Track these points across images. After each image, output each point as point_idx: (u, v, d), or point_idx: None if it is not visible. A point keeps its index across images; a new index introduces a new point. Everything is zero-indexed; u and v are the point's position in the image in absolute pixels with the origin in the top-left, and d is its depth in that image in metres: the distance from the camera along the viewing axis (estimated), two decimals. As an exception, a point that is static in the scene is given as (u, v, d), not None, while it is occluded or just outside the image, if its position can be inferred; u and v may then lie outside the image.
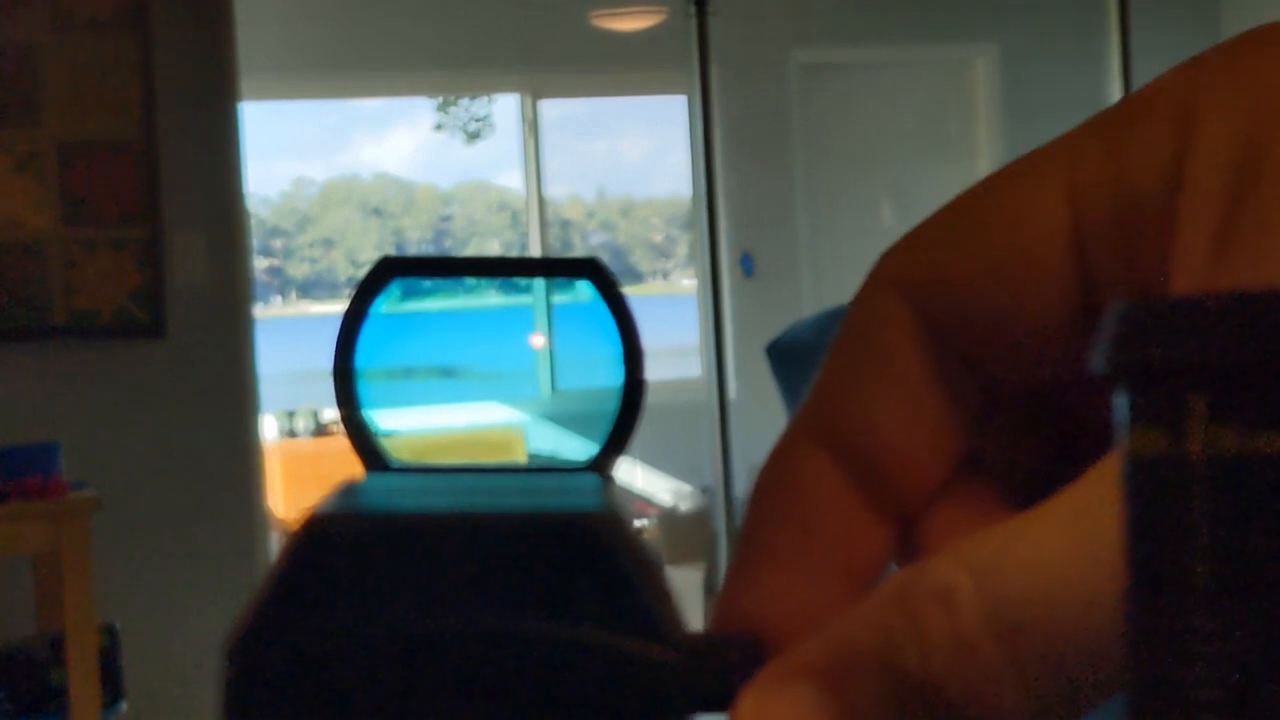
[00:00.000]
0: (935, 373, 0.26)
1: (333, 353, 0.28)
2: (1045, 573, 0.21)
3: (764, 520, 0.27)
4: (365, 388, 0.29)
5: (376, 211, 8.57)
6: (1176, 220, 0.23)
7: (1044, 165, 0.25)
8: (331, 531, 0.24)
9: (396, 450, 0.29)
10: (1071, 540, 0.21)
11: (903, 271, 0.27)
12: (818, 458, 0.27)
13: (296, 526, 0.24)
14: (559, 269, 0.30)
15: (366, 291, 0.28)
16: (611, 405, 0.28)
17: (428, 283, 0.30)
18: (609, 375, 0.28)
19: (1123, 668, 0.21)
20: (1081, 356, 0.25)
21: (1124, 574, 0.20)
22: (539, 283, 0.30)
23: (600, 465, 0.28)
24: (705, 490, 6.81)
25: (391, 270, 0.29)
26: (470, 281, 0.30)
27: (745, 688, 0.24)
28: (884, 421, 0.26)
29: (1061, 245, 0.25)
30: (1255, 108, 0.22)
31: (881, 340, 0.27)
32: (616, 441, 0.29)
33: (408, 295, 0.30)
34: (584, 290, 0.28)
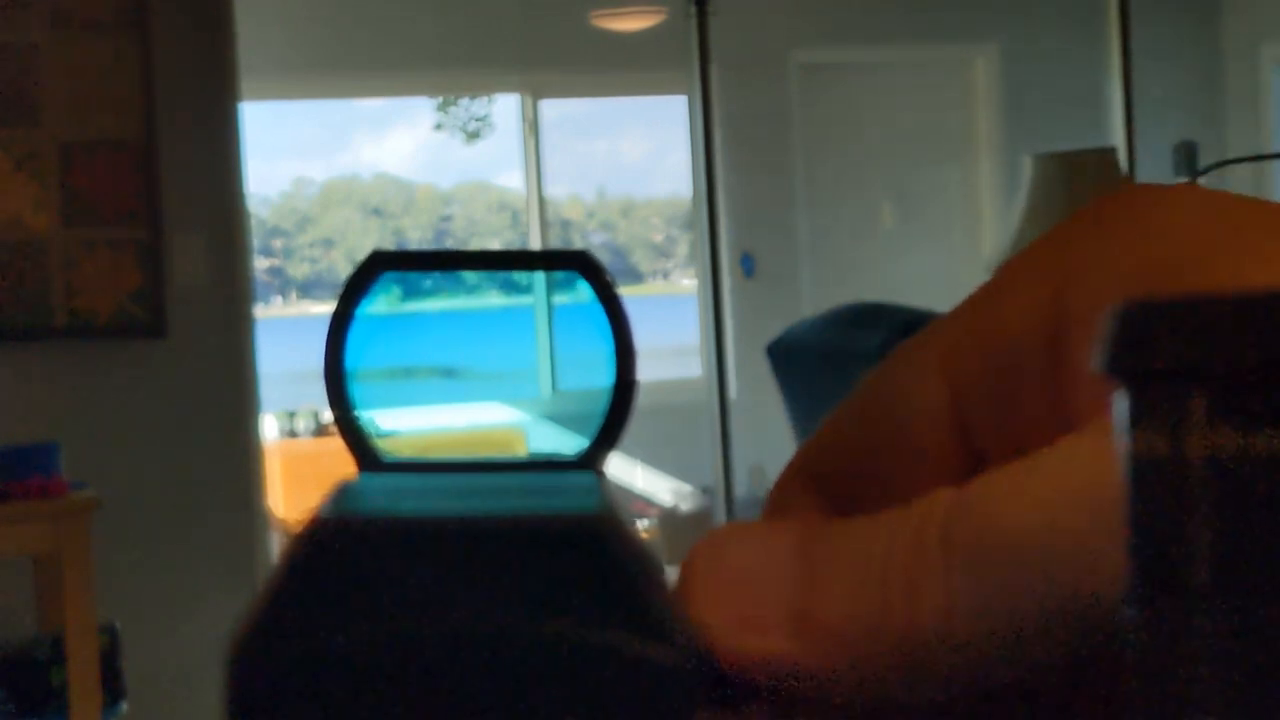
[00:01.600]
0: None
1: (323, 348, 0.28)
2: (1004, 517, 0.23)
3: None
4: (360, 386, 0.29)
5: (376, 211, 8.57)
6: (1063, 364, 0.25)
7: (928, 340, 0.28)
8: (334, 534, 0.24)
9: (397, 451, 0.29)
10: (1050, 497, 0.23)
11: (807, 464, 0.29)
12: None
13: (298, 529, 0.24)
14: (548, 262, 0.30)
15: (356, 287, 0.28)
16: (605, 398, 0.28)
17: (428, 283, 0.30)
18: (607, 373, 0.28)
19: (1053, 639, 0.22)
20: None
21: (1075, 553, 0.22)
22: (539, 283, 0.30)
23: (592, 460, 0.28)
24: (705, 490, 6.81)
25: (381, 265, 0.29)
26: (470, 281, 0.30)
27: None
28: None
29: (940, 403, 0.27)
30: (1120, 259, 0.25)
31: (792, 514, 0.29)
32: (609, 435, 0.29)
33: (409, 295, 0.30)
34: (582, 289, 0.28)
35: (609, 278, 0.28)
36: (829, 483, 0.28)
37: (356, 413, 0.29)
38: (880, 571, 0.24)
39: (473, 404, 6.38)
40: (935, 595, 0.23)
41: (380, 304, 0.29)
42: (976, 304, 0.27)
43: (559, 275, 0.29)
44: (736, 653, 0.24)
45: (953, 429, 0.27)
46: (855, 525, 0.25)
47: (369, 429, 0.29)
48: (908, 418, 0.27)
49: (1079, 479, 0.22)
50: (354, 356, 0.29)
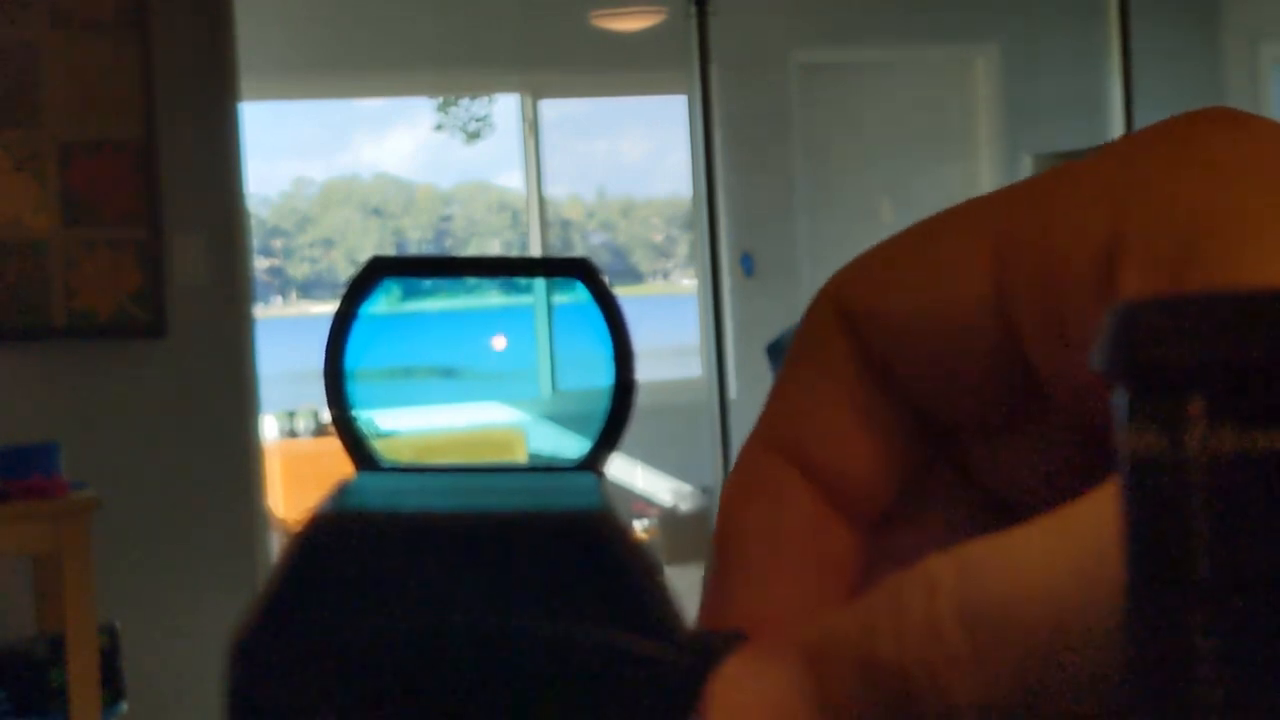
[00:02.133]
0: (872, 399, 0.28)
1: (323, 353, 0.28)
2: (1025, 576, 0.22)
3: (736, 533, 0.28)
4: (359, 388, 0.29)
5: (376, 211, 8.57)
6: (1116, 288, 0.24)
7: (976, 219, 0.26)
8: (335, 531, 0.24)
9: (396, 451, 0.29)
10: (1057, 552, 0.22)
11: (844, 301, 0.28)
12: (781, 468, 0.28)
13: (299, 526, 0.24)
14: (549, 268, 0.30)
15: (356, 292, 0.29)
16: (604, 403, 0.29)
17: (428, 283, 0.30)
18: (605, 375, 0.29)
19: (1097, 681, 0.21)
20: (1003, 407, 0.27)
21: (1107, 593, 0.21)
22: (539, 283, 0.30)
23: (592, 464, 0.29)
24: (705, 490, 6.81)
25: (381, 270, 0.29)
26: (469, 281, 0.30)
27: (725, 663, 0.24)
28: (829, 438, 0.28)
29: (984, 299, 0.26)
30: (1186, 192, 0.23)
31: (825, 363, 0.28)
32: (608, 440, 0.29)
33: (408, 295, 0.30)
34: (581, 290, 0.29)
35: (609, 284, 0.29)
36: (866, 327, 0.27)
37: (355, 416, 0.29)
38: (895, 679, 0.23)
39: (473, 404, 6.38)
40: (964, 682, 0.22)
41: (380, 304, 0.29)
42: (1033, 201, 0.26)
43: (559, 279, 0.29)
44: None
45: (999, 323, 0.26)
46: (854, 626, 0.23)
47: (367, 432, 0.29)
48: (954, 296, 0.26)
49: (1103, 542, 0.21)
50: (354, 357, 0.29)
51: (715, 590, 0.27)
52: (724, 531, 0.28)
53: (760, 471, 0.28)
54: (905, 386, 0.27)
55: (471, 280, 0.30)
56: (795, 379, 0.28)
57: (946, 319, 0.26)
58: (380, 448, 0.29)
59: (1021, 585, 0.22)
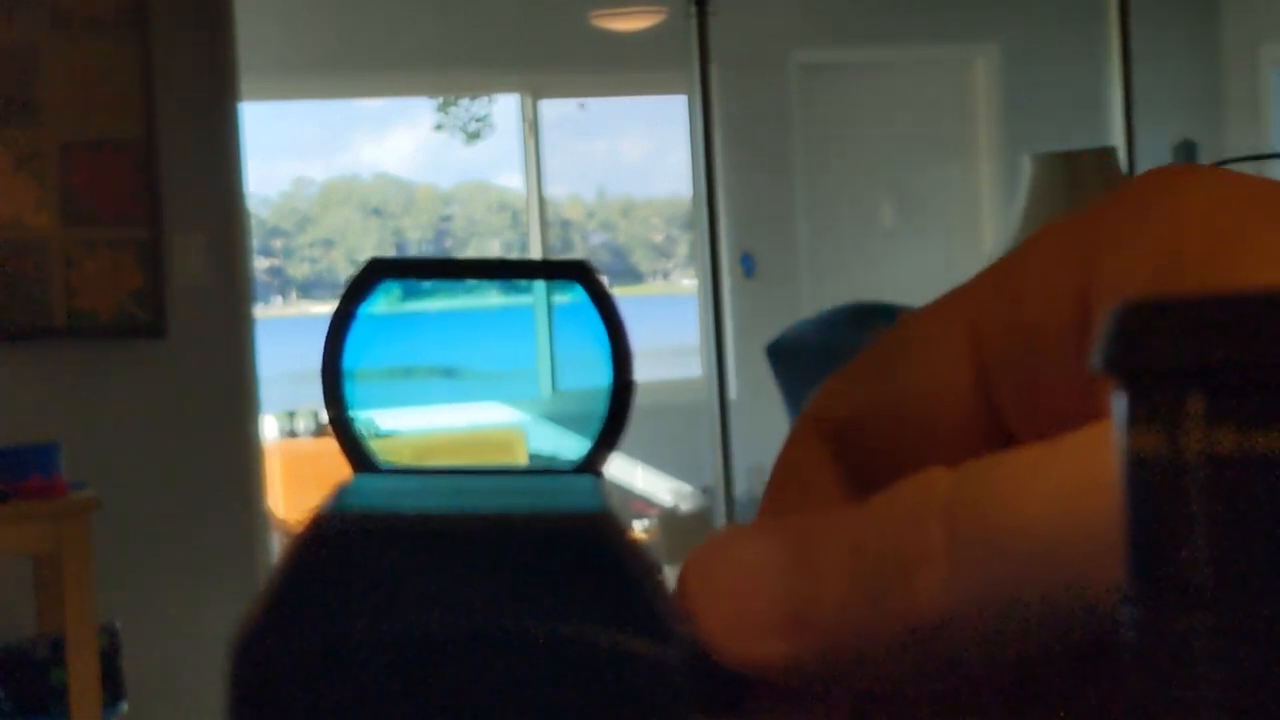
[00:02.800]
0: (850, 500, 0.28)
1: (321, 354, 0.28)
2: (1007, 492, 0.22)
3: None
4: (357, 389, 0.29)
5: (376, 211, 8.57)
6: (1090, 338, 0.24)
7: (950, 312, 0.27)
8: (337, 532, 0.24)
9: (397, 451, 0.29)
10: (1058, 491, 0.22)
11: (823, 413, 0.29)
12: None
13: (300, 527, 0.24)
14: (547, 271, 0.30)
15: (354, 293, 0.29)
16: (603, 406, 0.29)
17: (428, 284, 0.30)
18: (605, 376, 0.29)
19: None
20: None
21: (1087, 545, 0.21)
22: (539, 283, 0.31)
23: (591, 464, 0.29)
24: (705, 490, 6.81)
25: (379, 272, 0.29)
26: (469, 282, 0.30)
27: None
28: None
29: (966, 380, 0.27)
30: (1154, 238, 0.24)
31: (805, 474, 0.29)
32: (607, 441, 0.29)
33: (408, 296, 0.30)
34: (581, 294, 0.29)
35: (606, 286, 0.29)
36: (843, 441, 0.28)
37: (352, 417, 0.29)
38: (874, 560, 0.23)
39: (472, 404, 6.36)
40: (933, 579, 0.23)
41: (380, 304, 0.29)
42: (1002, 276, 0.26)
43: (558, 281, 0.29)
44: (734, 656, 0.24)
45: (979, 405, 0.27)
46: (848, 515, 0.24)
47: (364, 434, 0.29)
48: (933, 396, 0.27)
49: (1096, 471, 0.22)
50: (353, 357, 0.29)
51: None
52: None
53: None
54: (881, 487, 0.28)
55: (470, 281, 0.30)
56: (773, 492, 0.29)
57: (929, 406, 0.27)
58: (380, 448, 0.29)
59: (1003, 499, 0.22)
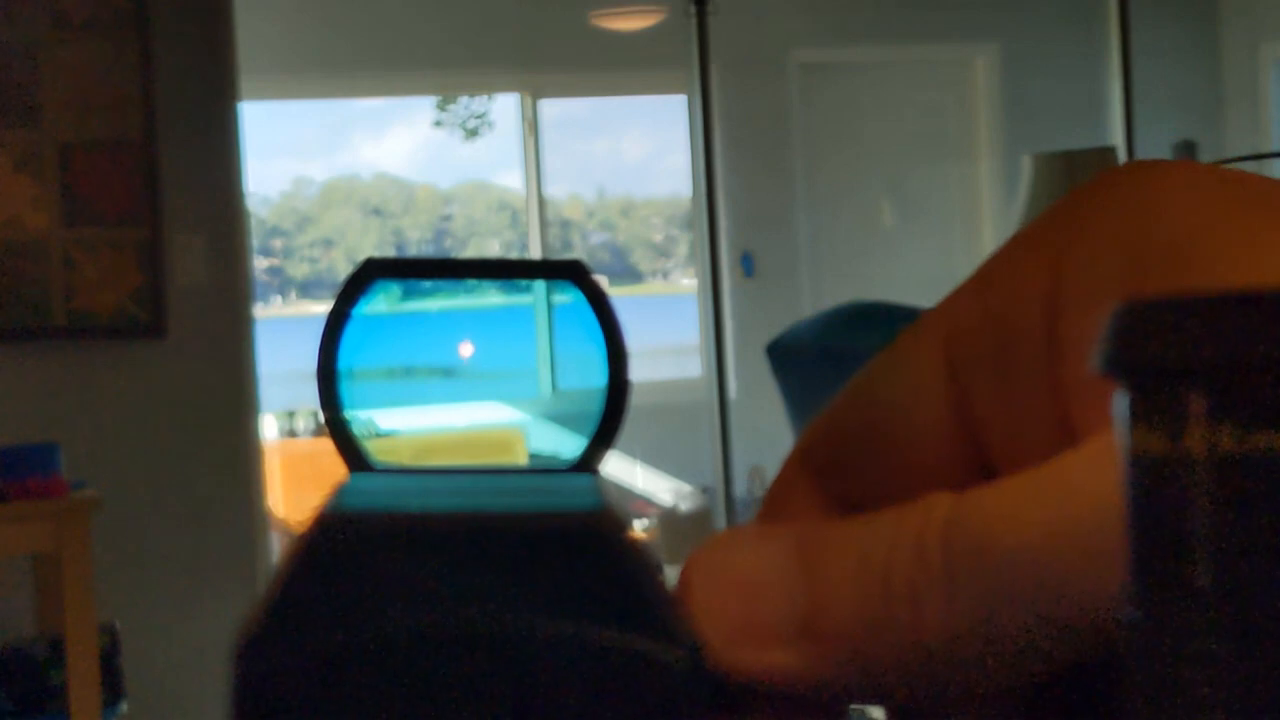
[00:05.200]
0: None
1: (316, 354, 0.29)
2: (1017, 531, 0.23)
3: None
4: (357, 389, 0.29)
5: (376, 211, 8.57)
6: (1059, 342, 0.25)
7: (928, 324, 0.27)
8: (338, 532, 0.24)
9: (397, 451, 0.29)
10: (1052, 517, 0.22)
11: (811, 444, 0.29)
12: None
13: (302, 527, 0.24)
14: (542, 271, 0.30)
15: (349, 294, 0.29)
16: (599, 406, 0.29)
17: (427, 283, 0.30)
18: (601, 374, 0.29)
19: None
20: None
21: (1088, 571, 0.22)
22: (537, 283, 0.31)
23: (588, 463, 0.29)
24: (705, 490, 6.81)
25: (375, 272, 0.29)
26: (468, 282, 0.30)
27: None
28: None
29: (939, 382, 0.27)
30: (1121, 233, 0.24)
31: (793, 506, 0.29)
32: (602, 441, 0.29)
33: (407, 296, 0.30)
34: (577, 295, 0.29)
35: (600, 285, 0.29)
36: (829, 470, 0.28)
37: (348, 417, 0.29)
38: (882, 579, 0.24)
39: (472, 404, 6.36)
40: (937, 603, 0.23)
41: (380, 304, 0.29)
42: (977, 283, 0.27)
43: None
44: (740, 664, 0.24)
45: (954, 413, 0.27)
46: (853, 529, 0.25)
47: (360, 433, 0.29)
48: (909, 404, 0.27)
49: (1083, 498, 0.22)
50: (353, 357, 0.29)
51: None
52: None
53: None
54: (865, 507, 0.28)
55: (465, 281, 0.30)
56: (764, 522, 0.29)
57: (905, 416, 0.27)
58: (380, 448, 0.29)
59: (1000, 526, 0.23)
